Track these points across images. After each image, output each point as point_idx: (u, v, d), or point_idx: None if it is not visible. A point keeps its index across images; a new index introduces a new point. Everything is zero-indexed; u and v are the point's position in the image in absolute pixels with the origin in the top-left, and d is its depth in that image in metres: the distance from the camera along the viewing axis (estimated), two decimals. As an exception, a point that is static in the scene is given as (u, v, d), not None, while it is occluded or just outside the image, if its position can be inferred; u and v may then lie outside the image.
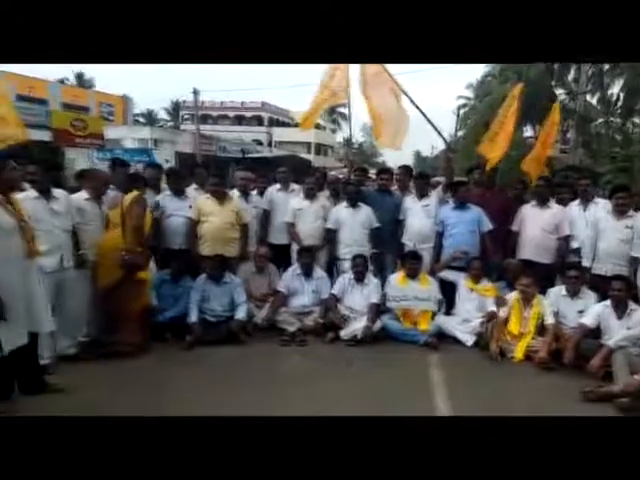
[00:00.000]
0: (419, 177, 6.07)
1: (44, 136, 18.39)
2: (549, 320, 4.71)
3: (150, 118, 47.64)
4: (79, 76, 43.81)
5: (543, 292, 4.96)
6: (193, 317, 4.91)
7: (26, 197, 3.83)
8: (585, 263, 5.01)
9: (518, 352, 4.67)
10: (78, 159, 18.12)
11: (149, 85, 79.42)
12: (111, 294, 4.51)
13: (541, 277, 5.06)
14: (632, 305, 4.40)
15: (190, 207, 5.31)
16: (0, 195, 3.31)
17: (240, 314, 5.01)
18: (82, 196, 4.53)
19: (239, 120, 46.25)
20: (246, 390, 3.88)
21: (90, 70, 42.54)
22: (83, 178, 4.72)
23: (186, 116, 44.23)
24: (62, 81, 36.19)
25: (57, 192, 4.15)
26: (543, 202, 5.44)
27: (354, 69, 6.19)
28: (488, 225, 5.42)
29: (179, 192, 5.42)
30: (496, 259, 5.45)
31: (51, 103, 25.08)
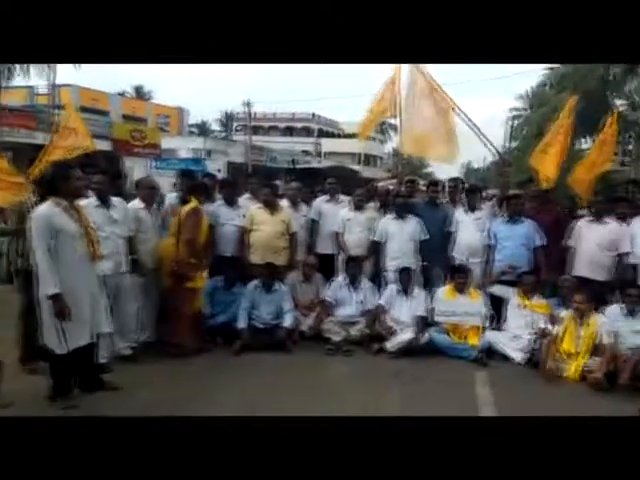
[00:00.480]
0: (471, 190, 5.99)
1: (105, 146, 19.31)
2: (605, 340, 4.53)
3: (203, 129, 49.16)
4: (137, 89, 45.83)
5: (597, 310, 4.78)
6: (242, 323, 5.04)
7: (88, 204, 4.04)
8: (646, 281, 4.79)
9: (572, 372, 4.51)
10: (136, 168, 18.92)
11: (203, 97, 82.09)
12: (165, 299, 4.77)
13: (595, 295, 4.88)
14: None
15: (243, 216, 5.46)
16: (66, 202, 3.52)
17: (287, 322, 5.10)
18: (137, 204, 4.73)
19: (289, 131, 46.98)
20: (290, 396, 3.93)
21: (148, 83, 44.44)
22: (137, 187, 4.97)
23: (238, 127, 45.34)
24: (122, 94, 37.96)
25: (116, 200, 4.36)
26: (599, 217, 5.24)
27: (405, 81, 6.20)
28: (542, 239, 5.28)
29: (232, 202, 5.60)
30: (549, 275, 5.30)
31: (112, 115, 26.35)
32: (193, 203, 4.80)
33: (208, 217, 5.22)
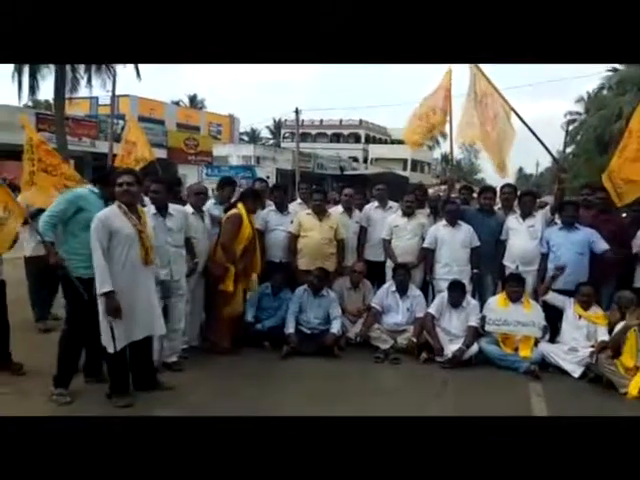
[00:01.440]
0: (525, 196, 5.80)
1: (161, 154, 20.07)
2: (670, 355, 4.28)
3: (254, 136, 50.19)
4: (191, 98, 47.39)
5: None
6: (290, 328, 5.09)
7: (146, 212, 4.13)
8: None
9: (633, 388, 4.28)
10: (189, 175, 19.53)
11: (254, 105, 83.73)
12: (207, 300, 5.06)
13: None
14: None
15: (291, 222, 5.53)
16: (126, 206, 3.67)
17: (335, 328, 5.11)
18: (188, 210, 4.82)
19: (337, 137, 47.21)
20: (337, 404, 3.93)
21: (201, 91, 45.95)
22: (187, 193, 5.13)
23: (286, 134, 46.00)
24: (177, 103, 39.35)
25: (173, 209, 4.45)
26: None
27: (458, 84, 6.09)
28: (604, 245, 5.01)
29: (282, 207, 5.68)
30: (609, 287, 5.05)
31: (167, 123, 27.34)
32: (235, 210, 4.94)
33: (259, 223, 5.37)
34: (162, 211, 4.36)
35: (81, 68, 17.82)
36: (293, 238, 5.47)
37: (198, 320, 5.10)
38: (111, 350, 3.59)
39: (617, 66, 23.65)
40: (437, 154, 50.45)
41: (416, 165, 45.88)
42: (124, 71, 21.06)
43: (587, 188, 5.76)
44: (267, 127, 52.69)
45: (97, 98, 25.41)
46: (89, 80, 18.25)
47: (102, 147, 20.72)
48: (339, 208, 5.87)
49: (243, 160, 26.22)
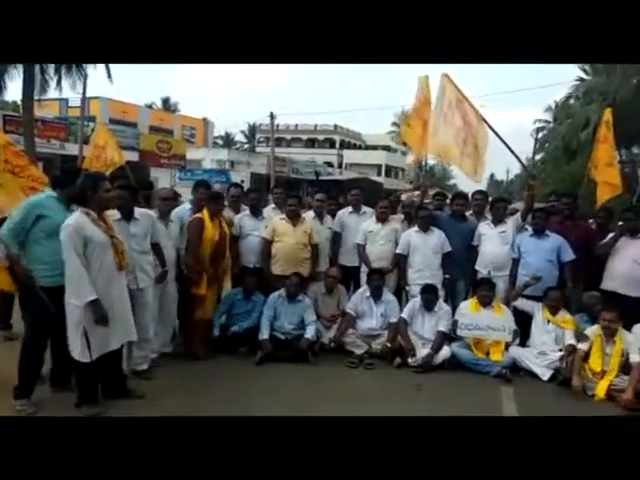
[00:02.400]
0: (496, 202, 5.92)
1: (132, 157, 19.73)
2: (635, 358, 4.41)
3: (228, 140, 49.90)
4: (165, 101, 46.83)
5: (630, 327, 4.65)
6: (265, 334, 5.06)
7: (110, 216, 3.99)
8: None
9: (600, 391, 4.39)
10: (161, 178, 19.26)
11: (228, 109, 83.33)
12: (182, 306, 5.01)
13: (630, 311, 4.75)
14: None
15: (266, 227, 5.51)
16: (94, 213, 3.57)
17: (309, 333, 5.10)
18: (154, 215, 4.69)
19: (312, 142, 47.31)
20: (311, 409, 3.91)
21: (175, 94, 45.56)
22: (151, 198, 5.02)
23: (261, 139, 45.88)
24: (150, 106, 38.84)
25: (140, 213, 4.31)
26: (633, 233, 5.12)
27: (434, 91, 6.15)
28: (570, 255, 5.18)
29: (257, 212, 5.65)
30: (576, 291, 5.18)
31: (140, 126, 26.93)
32: (198, 214, 4.92)
33: (235, 228, 5.36)
34: (127, 216, 4.22)
35: (51, 69, 17.43)
36: (266, 243, 5.44)
37: (171, 326, 5.02)
38: (86, 360, 3.49)
39: (584, 76, 24.41)
40: (410, 160, 50.99)
41: (390, 171, 46.33)
42: (95, 73, 20.70)
43: (553, 195, 5.92)
44: (242, 132, 52.53)
45: (67, 100, 24.90)
46: (59, 81, 17.85)
47: (72, 149, 20.29)
48: (310, 213, 5.87)
49: (217, 164, 26.02)
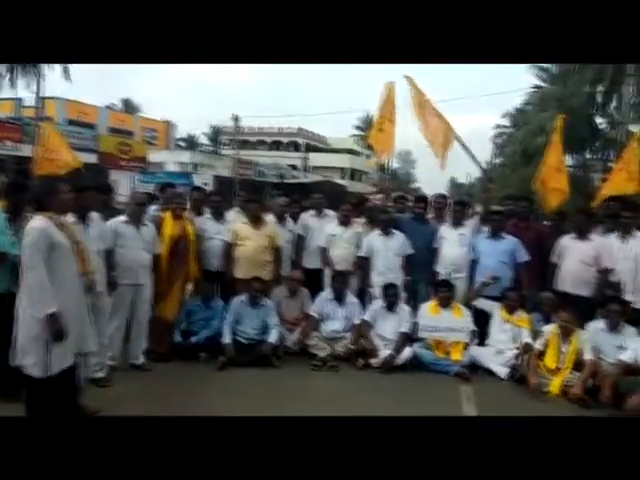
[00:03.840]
0: (456, 205, 6.06)
1: (91, 159, 19.17)
2: (587, 356, 4.58)
3: (191, 143, 49.20)
4: (125, 101, 45.81)
5: (582, 325, 4.83)
6: (227, 338, 5.01)
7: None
8: (626, 297, 4.86)
9: (554, 387, 4.55)
10: (121, 181, 18.81)
11: (191, 111, 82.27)
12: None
13: (580, 310, 4.94)
14: (675, 342, 4.24)
15: (229, 230, 5.46)
16: (56, 217, 3.43)
17: (272, 337, 5.08)
18: (120, 219, 4.67)
19: (276, 145, 47.19)
20: (274, 412, 3.89)
21: (136, 96, 44.61)
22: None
23: (225, 141, 45.44)
24: (109, 107, 37.90)
25: (94, 216, 4.26)
26: (582, 234, 5.33)
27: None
28: (524, 256, 5.35)
29: (219, 215, 5.60)
30: (531, 291, 5.36)
31: (99, 128, 26.24)
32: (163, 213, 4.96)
33: (199, 230, 5.31)
34: (82, 219, 4.10)
35: (3, 68, 16.80)
36: (229, 247, 5.40)
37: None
38: (42, 375, 3.22)
39: (540, 84, 25.25)
40: (375, 163, 51.52)
41: (355, 174, 46.70)
42: (52, 72, 20.02)
43: (509, 198, 6.11)
44: (205, 134, 51.86)
45: (21, 99, 24.02)
46: (13, 80, 17.21)
47: (27, 151, 19.57)
48: (272, 217, 5.85)
49: (180, 167, 25.62)
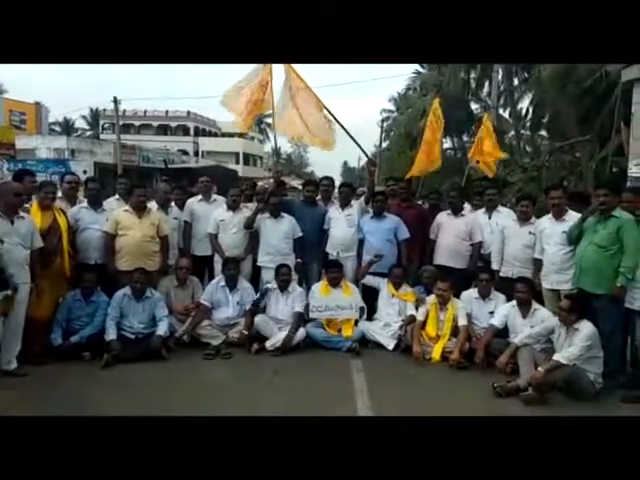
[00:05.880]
0: (342, 187, 6.23)
1: (-55, 145, 17.02)
2: (461, 322, 4.97)
3: (67, 127, 45.29)
4: (-13, 82, 40.89)
5: (458, 295, 5.24)
6: (111, 334, 4.74)
7: None
8: (494, 267, 5.34)
9: (435, 353, 4.89)
10: (-15, 170, 16.89)
11: (66, 93, 75.53)
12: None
13: (457, 281, 5.34)
14: (535, 305, 4.75)
15: (107, 220, 5.12)
16: None
17: (161, 330, 4.89)
18: None
19: (164, 130, 45.03)
20: (164, 406, 3.78)
21: (2, 76, 40.16)
22: None
23: (106, 125, 42.43)
24: (-33, 87, 33.66)
25: None
26: (456, 211, 5.74)
27: (278, 80, 6.20)
28: (405, 234, 5.66)
29: (95, 204, 5.23)
30: (413, 266, 5.70)
31: (-45, 110, 23.25)
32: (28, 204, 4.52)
33: (72, 221, 4.93)
34: None
35: None
36: (109, 237, 5.08)
37: (18, 337, 4.40)
38: None
39: (420, 69, 26.62)
40: (268, 147, 51.33)
41: (248, 159, 46.11)
42: None
43: (391, 180, 6.44)
44: (83, 117, 47.96)
45: None
46: None
47: None
48: (154, 204, 5.59)
49: (55, 153, 23.50)
